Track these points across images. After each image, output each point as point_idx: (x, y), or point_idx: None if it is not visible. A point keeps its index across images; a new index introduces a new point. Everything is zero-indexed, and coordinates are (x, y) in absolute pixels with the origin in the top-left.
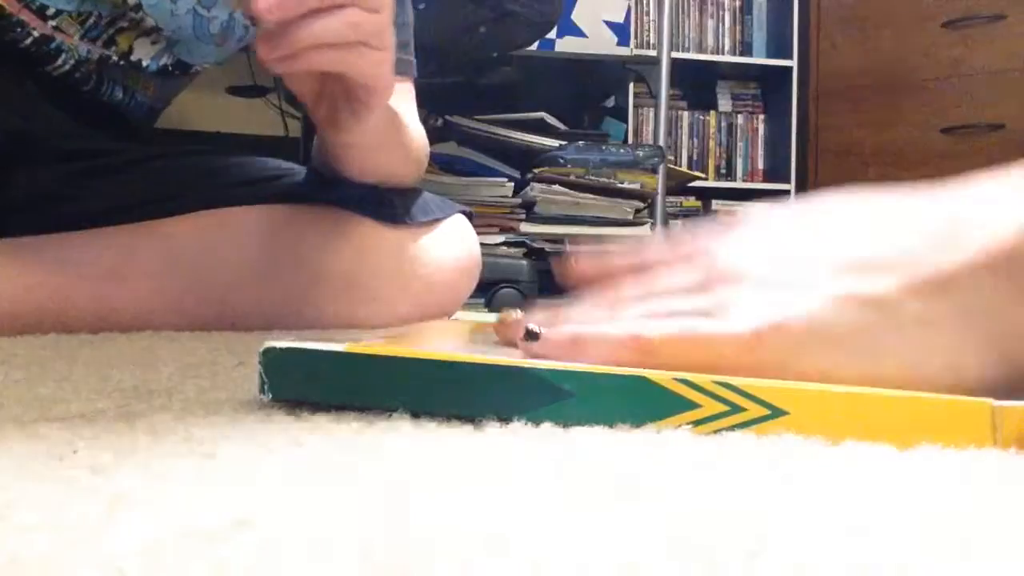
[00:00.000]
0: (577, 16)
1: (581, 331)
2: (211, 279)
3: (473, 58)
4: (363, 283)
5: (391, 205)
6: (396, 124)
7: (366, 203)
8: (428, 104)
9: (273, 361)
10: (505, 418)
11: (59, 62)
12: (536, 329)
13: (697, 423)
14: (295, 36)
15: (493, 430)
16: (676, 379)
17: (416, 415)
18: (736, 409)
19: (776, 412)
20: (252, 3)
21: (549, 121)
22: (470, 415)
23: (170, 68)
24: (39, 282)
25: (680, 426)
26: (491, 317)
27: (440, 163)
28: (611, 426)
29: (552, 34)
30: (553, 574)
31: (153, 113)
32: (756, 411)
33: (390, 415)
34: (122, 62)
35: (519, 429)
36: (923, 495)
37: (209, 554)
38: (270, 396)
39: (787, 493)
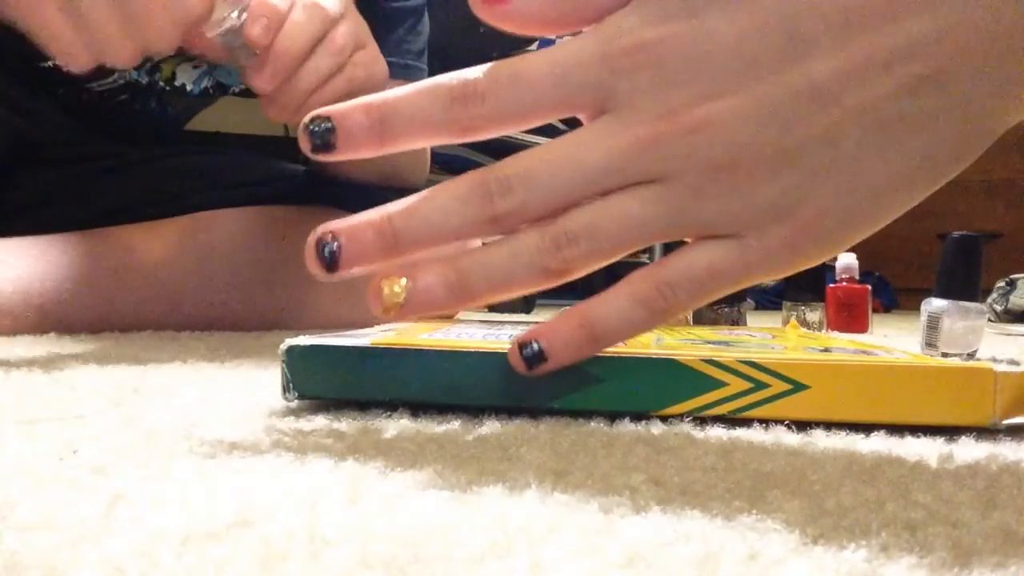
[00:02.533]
0: None
1: (586, 311)
2: (211, 279)
3: (473, 58)
4: (364, 284)
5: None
6: None
7: (366, 204)
8: None
9: (297, 360)
10: (535, 406)
11: (111, 80)
12: (538, 346)
13: (723, 401)
14: (296, 92)
15: (493, 425)
16: (703, 360)
17: (415, 413)
18: (760, 386)
19: (798, 387)
20: (253, 83)
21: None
22: (501, 405)
23: (211, 91)
24: (39, 282)
25: (707, 405)
26: (492, 317)
27: (441, 163)
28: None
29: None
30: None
31: (178, 124)
32: (779, 387)
33: (390, 414)
34: (168, 88)
35: (521, 424)
36: None
37: (209, 554)
38: (295, 396)
39: None
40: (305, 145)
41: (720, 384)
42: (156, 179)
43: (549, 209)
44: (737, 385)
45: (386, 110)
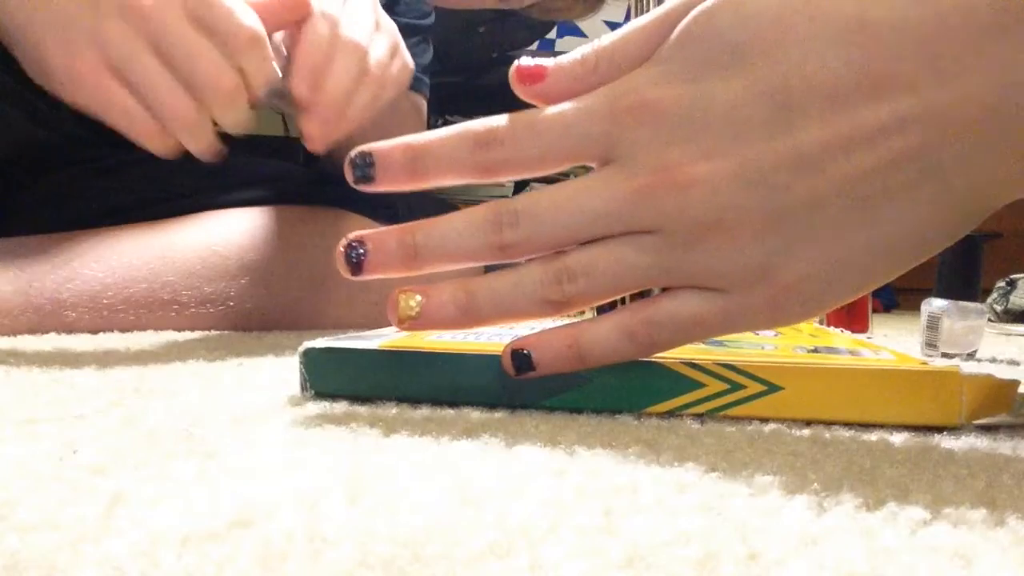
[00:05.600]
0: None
1: (576, 333)
2: (211, 280)
3: (473, 58)
4: (365, 284)
5: (392, 206)
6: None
7: (367, 203)
8: (428, 104)
9: (313, 360)
10: (530, 405)
11: None
12: (527, 350)
13: (701, 401)
14: (340, 127)
15: (494, 418)
16: (684, 362)
17: (415, 412)
18: (736, 387)
19: (772, 388)
20: (305, 130)
21: None
22: (496, 404)
23: None
24: (39, 282)
25: (687, 405)
26: None
27: None
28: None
29: (552, 34)
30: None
31: None
32: (754, 388)
33: (390, 414)
34: None
35: (522, 423)
36: None
37: (209, 554)
38: (312, 393)
39: None
40: (349, 176)
41: (698, 385)
42: (157, 179)
43: (551, 245)
44: (714, 386)
45: (420, 150)
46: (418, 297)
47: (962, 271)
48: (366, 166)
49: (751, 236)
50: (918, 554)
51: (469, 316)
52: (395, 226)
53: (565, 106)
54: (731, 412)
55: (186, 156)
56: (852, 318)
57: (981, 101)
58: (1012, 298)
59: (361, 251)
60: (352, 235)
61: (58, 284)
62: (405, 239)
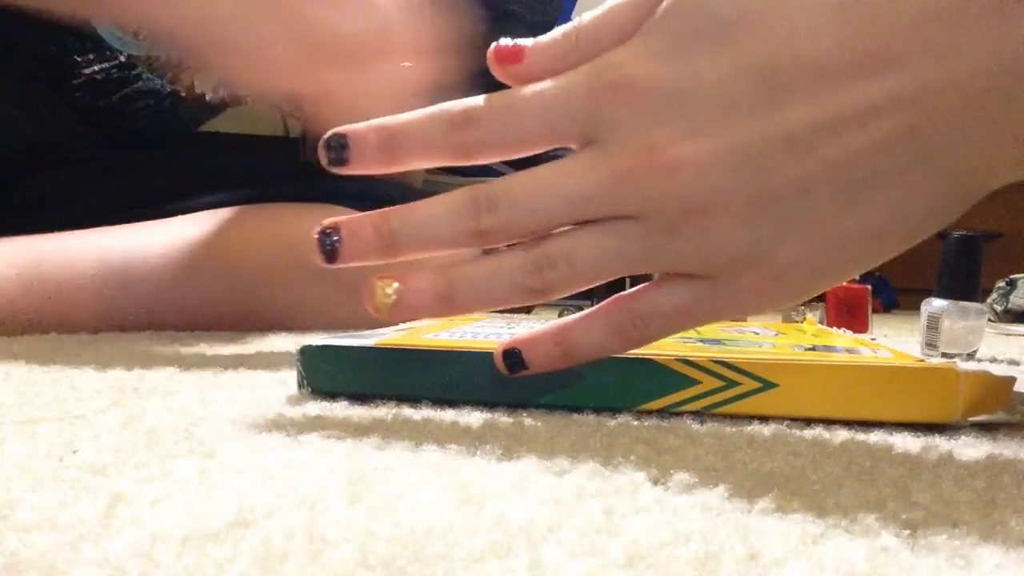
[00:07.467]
0: (577, 16)
1: (565, 330)
2: (211, 279)
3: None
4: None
5: (389, 200)
6: None
7: (367, 203)
8: (427, 104)
9: (310, 358)
10: (526, 402)
11: (136, 86)
12: (518, 349)
13: (696, 398)
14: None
15: (495, 421)
16: (678, 359)
17: (415, 412)
18: (731, 384)
19: (767, 385)
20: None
21: None
22: (491, 401)
23: (227, 100)
24: (39, 282)
25: (682, 402)
26: (496, 316)
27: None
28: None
29: None
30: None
31: (188, 130)
32: (749, 385)
33: (390, 414)
34: (189, 99)
35: (522, 424)
36: None
37: (209, 554)
38: (309, 390)
39: None
40: (323, 158)
41: (693, 382)
42: (156, 179)
43: (530, 230)
44: (709, 383)
45: (394, 132)
46: (395, 284)
47: (962, 271)
48: (340, 148)
49: (738, 221)
50: (918, 554)
51: (447, 303)
52: (371, 212)
53: (544, 85)
54: (726, 409)
55: (191, 156)
56: (852, 318)
57: (975, 80)
58: (1012, 298)
59: (335, 238)
60: (327, 221)
61: (58, 284)
62: (381, 226)
